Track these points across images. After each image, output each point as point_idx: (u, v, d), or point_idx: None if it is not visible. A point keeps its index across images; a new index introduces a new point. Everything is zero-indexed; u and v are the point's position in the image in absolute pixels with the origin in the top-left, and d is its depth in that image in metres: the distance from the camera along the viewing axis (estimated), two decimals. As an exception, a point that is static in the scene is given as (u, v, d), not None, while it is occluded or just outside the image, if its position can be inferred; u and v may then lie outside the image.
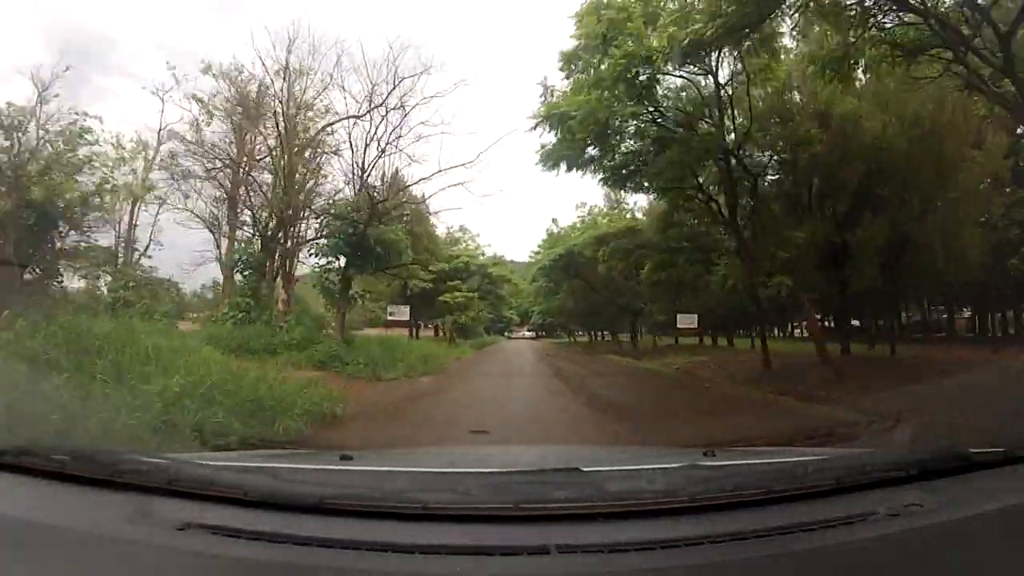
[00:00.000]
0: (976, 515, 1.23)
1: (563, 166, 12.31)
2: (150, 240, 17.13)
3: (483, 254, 31.25)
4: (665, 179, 12.65)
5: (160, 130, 16.37)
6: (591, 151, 12.27)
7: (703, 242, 16.56)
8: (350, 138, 15.19)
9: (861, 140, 11.98)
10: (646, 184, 13.87)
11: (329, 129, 16.01)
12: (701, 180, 13.64)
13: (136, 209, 17.05)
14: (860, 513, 1.22)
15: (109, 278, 16.33)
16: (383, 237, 14.50)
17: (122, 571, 1.13)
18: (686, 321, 19.14)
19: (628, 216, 24.53)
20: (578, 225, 27.40)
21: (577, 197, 42.49)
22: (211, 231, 17.00)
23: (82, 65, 34.66)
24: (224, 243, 17.08)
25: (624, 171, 13.17)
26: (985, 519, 1.22)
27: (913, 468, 1.39)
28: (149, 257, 17.26)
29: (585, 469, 1.43)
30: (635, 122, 12.11)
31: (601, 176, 13.36)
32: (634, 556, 1.10)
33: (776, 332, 27.50)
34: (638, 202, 27.53)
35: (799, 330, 27.81)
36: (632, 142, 12.88)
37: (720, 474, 1.47)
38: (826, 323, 28.39)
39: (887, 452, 2.18)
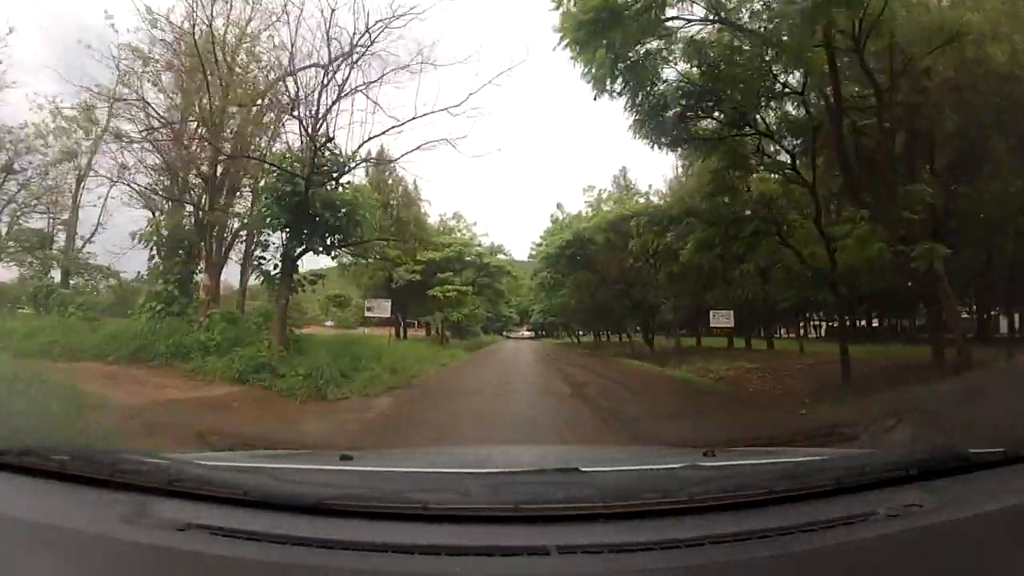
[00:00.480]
0: (976, 515, 1.24)
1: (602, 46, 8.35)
2: (98, 222, 14.30)
3: (479, 244, 28.06)
4: (728, 112, 9.96)
5: (112, 98, 12.43)
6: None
7: (767, 209, 12.55)
8: (295, 77, 10.91)
9: (987, 66, 9.15)
10: (684, 140, 11.12)
11: (277, 73, 11.80)
12: (756, 126, 10.82)
13: (80, 187, 14.26)
14: (860, 513, 1.22)
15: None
16: (333, 199, 10.49)
17: (122, 571, 1.14)
18: (721, 319, 16.43)
19: (641, 200, 21.83)
20: (584, 213, 24.12)
21: (584, 181, 38.57)
22: (149, 207, 13.52)
23: (79, 60, 34.06)
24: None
25: (663, 115, 10.31)
26: (985, 519, 1.23)
27: (913, 468, 1.40)
28: (92, 242, 14.56)
29: (585, 469, 1.43)
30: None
31: (635, 118, 10.44)
32: (634, 556, 1.10)
33: (781, 332, 25.83)
34: (653, 184, 24.92)
35: (807, 331, 26.32)
36: (684, 66, 9.85)
37: (720, 474, 1.48)
38: (834, 322, 24.69)
39: (887, 452, 2.19)
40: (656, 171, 41.89)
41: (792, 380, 10.97)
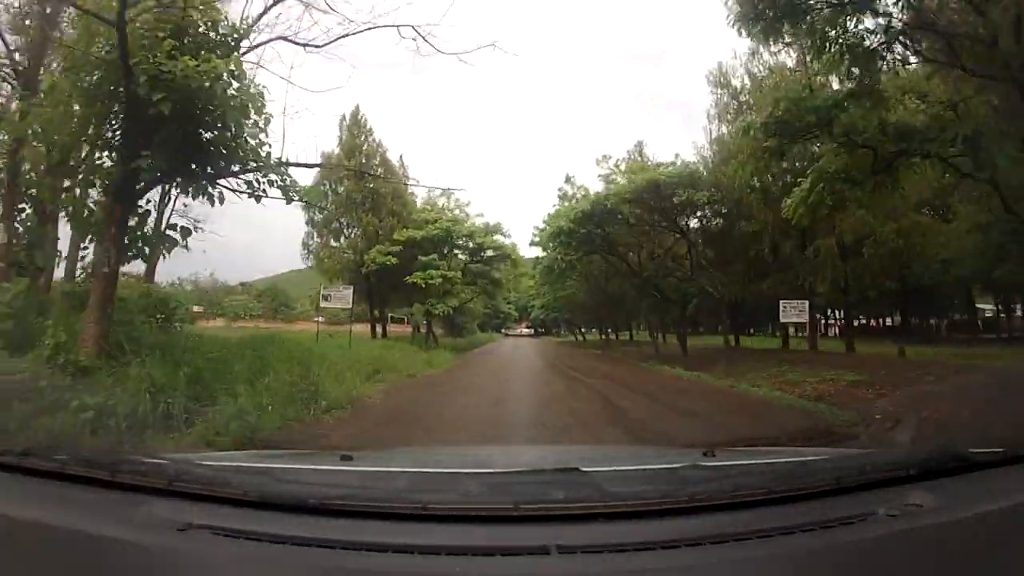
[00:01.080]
0: (976, 515, 1.24)
1: None
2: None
3: (473, 223, 23.28)
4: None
5: None
6: None
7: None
8: None
9: None
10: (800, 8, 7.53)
11: None
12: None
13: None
14: (860, 513, 1.22)
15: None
16: (175, 78, 5.62)
17: (122, 571, 1.14)
18: (793, 312, 13.09)
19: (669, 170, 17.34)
20: (594, 195, 19.05)
21: (588, 166, 35.14)
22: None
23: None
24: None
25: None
26: (985, 519, 1.23)
27: (913, 468, 1.40)
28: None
29: (585, 469, 1.43)
30: None
31: None
32: (634, 556, 1.10)
33: (769, 330, 23.33)
34: (678, 155, 20.65)
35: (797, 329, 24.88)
36: None
37: (720, 474, 1.48)
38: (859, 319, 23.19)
39: (887, 452, 2.19)
40: (672, 149, 39.32)
41: (939, 403, 7.01)
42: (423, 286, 19.26)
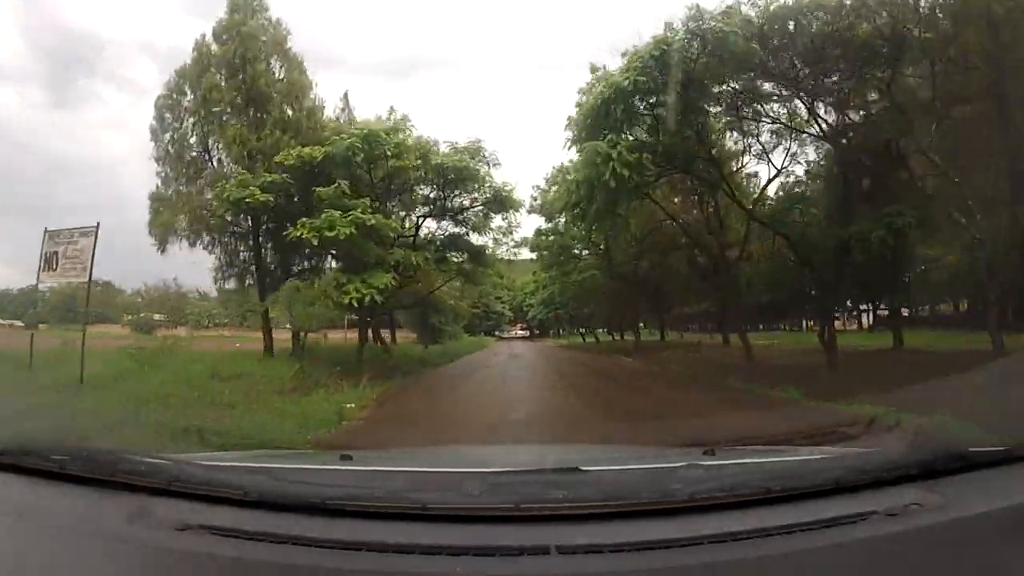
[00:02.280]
0: (976, 515, 1.24)
1: None
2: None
3: (429, 141, 13.03)
4: None
5: None
6: None
7: None
8: None
9: None
10: None
11: None
12: None
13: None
14: (860, 513, 1.22)
15: None
16: None
17: (122, 571, 1.14)
18: None
19: None
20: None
21: None
22: None
23: (67, 68, 33.00)
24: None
25: None
26: (985, 519, 1.23)
27: (913, 468, 1.40)
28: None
29: (585, 469, 1.43)
30: None
31: None
32: (634, 556, 1.11)
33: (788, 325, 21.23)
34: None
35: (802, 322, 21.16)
36: None
37: (720, 474, 1.48)
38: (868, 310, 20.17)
39: (887, 452, 2.19)
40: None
41: None
42: (313, 242, 10.26)
